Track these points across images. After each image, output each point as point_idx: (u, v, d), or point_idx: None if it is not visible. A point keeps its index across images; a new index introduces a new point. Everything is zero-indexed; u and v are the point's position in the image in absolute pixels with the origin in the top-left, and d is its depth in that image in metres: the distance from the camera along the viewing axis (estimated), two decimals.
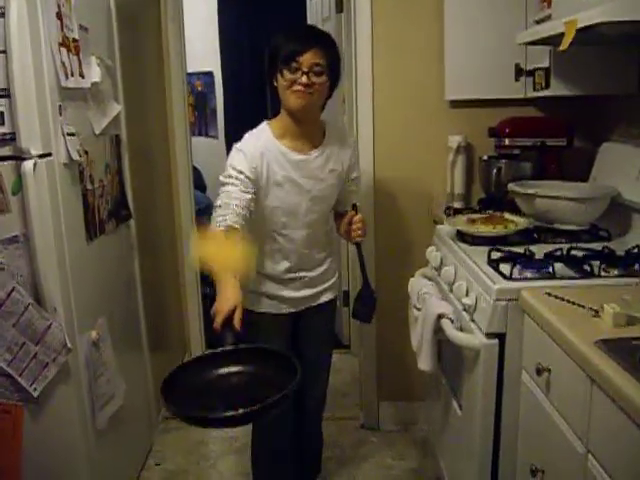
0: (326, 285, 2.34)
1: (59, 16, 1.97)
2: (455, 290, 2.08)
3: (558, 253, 1.98)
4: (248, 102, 5.69)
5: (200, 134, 6.15)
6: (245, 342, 1.74)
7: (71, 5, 2.06)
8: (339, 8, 3.51)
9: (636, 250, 1.97)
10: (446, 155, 2.85)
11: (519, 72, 2.63)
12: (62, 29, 2.00)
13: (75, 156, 2.04)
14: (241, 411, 1.47)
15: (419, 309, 2.23)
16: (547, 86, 2.45)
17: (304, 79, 1.98)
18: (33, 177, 1.86)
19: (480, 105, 2.81)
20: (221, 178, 2.06)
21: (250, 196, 2.01)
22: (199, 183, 5.14)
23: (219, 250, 1.87)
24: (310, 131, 2.15)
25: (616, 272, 1.84)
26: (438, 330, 2.06)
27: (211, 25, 5.75)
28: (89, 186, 2.22)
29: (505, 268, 1.87)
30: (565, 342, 1.46)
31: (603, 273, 1.83)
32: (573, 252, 1.99)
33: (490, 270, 1.91)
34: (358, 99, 2.92)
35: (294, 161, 2.12)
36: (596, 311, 1.53)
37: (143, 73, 3.24)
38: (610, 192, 2.26)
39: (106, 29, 2.50)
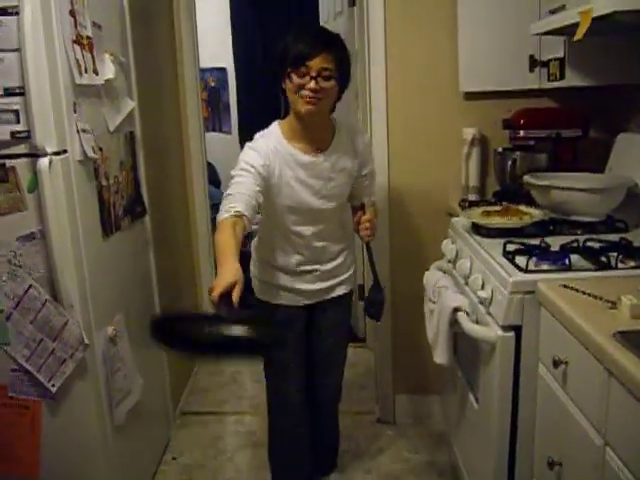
0: (340, 278, 2.35)
1: (72, 13, 1.98)
2: (471, 283, 2.07)
3: (574, 245, 1.97)
4: (261, 97, 5.68)
5: (214, 130, 6.16)
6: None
7: (84, 2, 2.07)
8: (352, 2, 3.50)
9: None
10: (460, 147, 2.83)
11: (533, 63, 2.61)
12: (76, 26, 2.00)
13: (90, 153, 2.05)
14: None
15: (435, 302, 2.23)
16: (562, 77, 2.43)
17: (312, 84, 1.98)
18: (49, 174, 1.87)
19: (494, 97, 2.79)
20: (232, 172, 2.05)
21: (259, 189, 1.99)
22: (213, 178, 5.15)
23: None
24: (319, 133, 2.15)
25: (633, 263, 1.82)
26: (454, 323, 2.06)
27: (224, 21, 5.75)
28: (104, 183, 2.23)
29: (521, 260, 1.86)
30: (582, 334, 1.45)
31: (620, 264, 1.82)
32: (589, 244, 1.98)
33: (506, 262, 1.90)
34: (372, 93, 2.91)
35: (303, 162, 2.12)
36: (613, 303, 1.52)
37: (156, 69, 3.25)
38: (627, 183, 2.24)
39: (119, 26, 2.51)
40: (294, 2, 5.37)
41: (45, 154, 1.87)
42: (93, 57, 2.13)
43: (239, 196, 1.92)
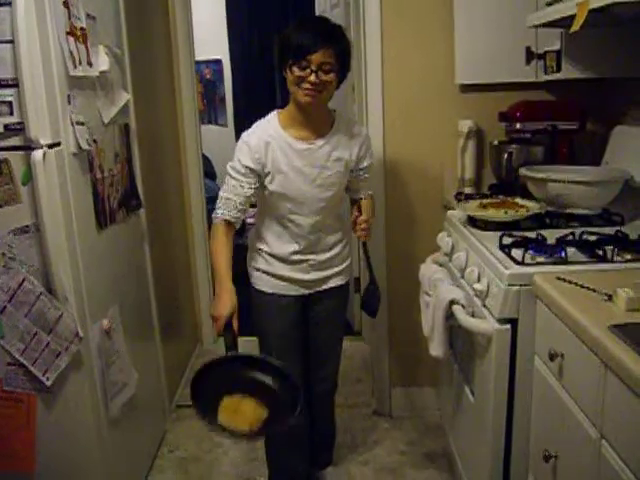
0: (336, 269, 2.35)
1: (66, 5, 1.96)
2: (467, 276, 2.07)
3: (570, 238, 1.97)
4: (257, 90, 5.69)
5: (210, 122, 6.16)
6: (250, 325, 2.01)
7: None
8: None
9: None
10: (457, 140, 2.82)
11: (530, 55, 2.60)
12: (69, 18, 1.99)
13: (84, 145, 2.04)
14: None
15: (430, 295, 2.23)
16: (558, 69, 2.43)
17: (313, 77, 2.00)
18: (43, 167, 1.86)
19: (491, 89, 2.78)
20: (228, 168, 2.17)
21: (252, 191, 2.15)
22: (209, 171, 5.14)
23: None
24: (317, 121, 2.17)
25: (629, 256, 1.82)
26: (450, 316, 2.05)
27: (219, 13, 5.73)
28: (99, 175, 2.22)
29: (517, 253, 1.86)
30: (578, 327, 1.45)
31: (616, 257, 1.82)
32: (585, 236, 1.98)
33: (502, 255, 1.90)
34: (368, 85, 2.90)
35: (299, 150, 2.15)
36: (609, 296, 1.52)
37: (152, 61, 3.23)
38: (623, 176, 2.24)
39: (114, 17, 2.49)
40: None
41: (39, 146, 1.86)
42: (87, 49, 2.12)
43: (231, 203, 2.14)
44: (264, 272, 2.30)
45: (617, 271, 1.75)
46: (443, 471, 2.73)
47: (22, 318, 1.96)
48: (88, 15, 2.14)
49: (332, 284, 2.36)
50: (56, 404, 2.09)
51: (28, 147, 1.88)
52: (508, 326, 1.81)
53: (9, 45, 1.81)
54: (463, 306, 2.01)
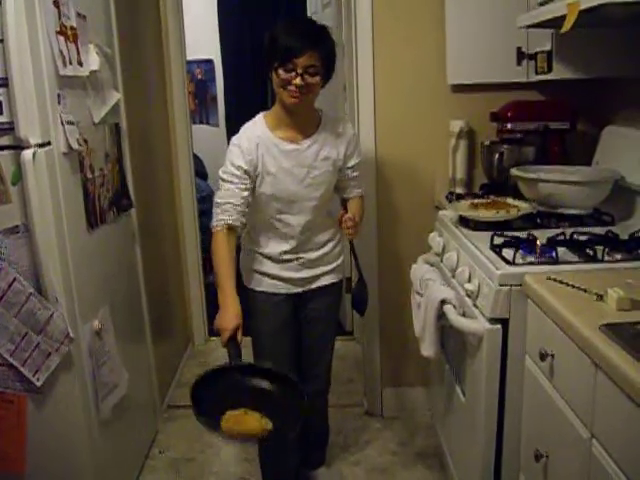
0: (327, 268, 2.35)
1: (56, 4, 1.96)
2: (458, 276, 2.07)
3: (561, 238, 1.97)
4: (248, 89, 5.67)
5: (201, 122, 6.14)
6: (244, 326, 2.04)
7: None
8: None
9: None
10: (448, 140, 2.83)
11: (521, 56, 2.60)
12: (59, 17, 1.98)
13: (74, 145, 2.04)
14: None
15: (422, 295, 2.23)
16: (549, 69, 2.43)
17: (298, 80, 2.02)
18: (32, 166, 1.85)
19: (482, 89, 2.79)
20: (221, 173, 2.16)
21: (249, 192, 2.14)
22: (200, 171, 5.13)
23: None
24: (304, 121, 2.19)
25: (620, 256, 1.83)
26: (441, 316, 2.06)
27: (211, 12, 5.72)
28: (89, 175, 2.21)
29: (508, 253, 1.87)
30: (569, 327, 1.45)
31: (607, 257, 1.82)
32: (576, 236, 1.98)
33: (493, 255, 1.90)
34: (359, 85, 2.90)
35: (286, 151, 2.16)
36: (600, 296, 1.52)
37: (142, 61, 3.22)
38: (613, 176, 2.25)
39: (104, 17, 2.49)
40: None
41: (29, 146, 1.86)
42: (77, 48, 2.11)
43: (230, 207, 2.11)
44: (255, 271, 2.30)
45: (608, 271, 1.75)
46: (434, 471, 2.73)
47: (12, 319, 1.95)
48: (78, 14, 2.13)
49: (323, 282, 2.36)
50: (47, 405, 2.08)
51: (18, 147, 1.87)
52: (499, 326, 1.81)
53: None
54: (454, 306, 2.01)
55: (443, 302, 2.04)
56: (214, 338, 3.94)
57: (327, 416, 2.69)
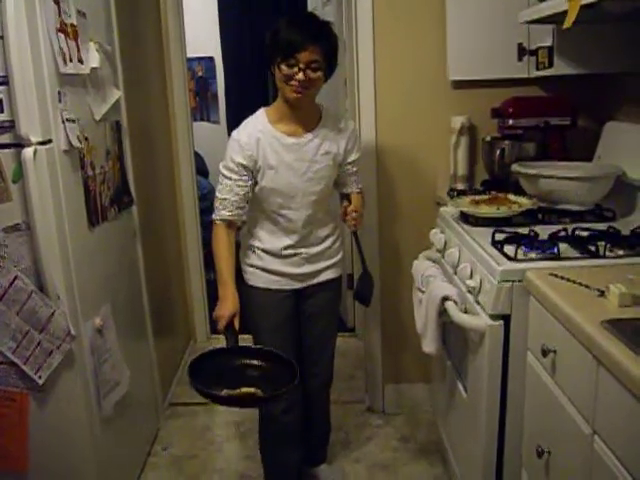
0: (328, 263, 2.36)
1: (56, 1, 1.95)
2: (459, 272, 2.07)
3: (563, 234, 1.97)
4: (249, 87, 5.67)
5: (202, 119, 6.14)
6: (243, 321, 2.16)
7: None
8: None
9: None
10: (449, 136, 2.82)
11: (522, 51, 2.60)
12: (60, 14, 1.98)
13: (75, 142, 2.04)
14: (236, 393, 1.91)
15: (423, 292, 2.23)
16: (550, 65, 2.43)
17: (301, 75, 2.03)
18: (33, 164, 1.85)
19: (483, 85, 2.78)
20: (221, 168, 2.19)
21: (248, 188, 2.18)
22: (201, 168, 5.13)
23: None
24: (305, 115, 2.20)
25: (621, 252, 1.83)
26: (442, 312, 2.05)
27: (211, 10, 5.71)
28: (90, 173, 2.21)
29: (509, 249, 1.86)
30: (570, 323, 1.45)
31: (608, 253, 1.82)
32: (578, 232, 1.98)
33: (494, 251, 1.90)
34: (360, 81, 2.90)
35: (287, 145, 2.17)
36: (602, 291, 1.52)
37: (143, 58, 3.22)
38: (615, 171, 2.24)
39: (104, 14, 2.48)
40: None
41: (30, 144, 1.85)
42: (78, 45, 2.11)
43: (229, 203, 2.16)
44: (257, 268, 2.30)
45: (609, 267, 1.75)
46: (436, 467, 2.73)
47: (14, 316, 1.95)
48: (78, 11, 2.13)
49: (325, 277, 2.37)
50: (49, 403, 2.08)
51: (18, 144, 1.87)
52: (501, 322, 1.81)
53: None
54: (456, 302, 2.00)
55: (445, 298, 2.03)
56: (216, 335, 3.95)
57: (329, 413, 2.68)
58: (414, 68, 2.86)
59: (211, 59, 6.03)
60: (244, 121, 2.21)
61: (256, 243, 2.29)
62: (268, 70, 2.14)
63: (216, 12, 5.75)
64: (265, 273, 2.30)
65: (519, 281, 1.76)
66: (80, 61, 2.13)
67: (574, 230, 1.99)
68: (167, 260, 3.57)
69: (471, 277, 1.97)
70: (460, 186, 2.78)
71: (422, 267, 2.35)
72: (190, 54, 4.06)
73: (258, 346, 2.17)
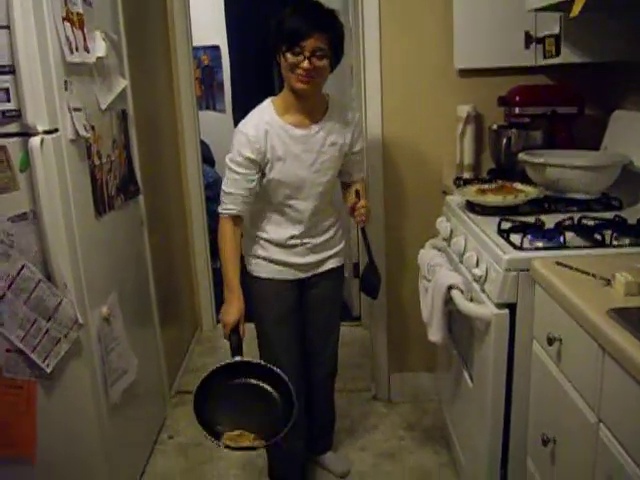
0: (331, 252, 2.37)
1: None
2: (465, 261, 2.07)
3: (569, 222, 1.97)
4: (255, 75, 5.65)
5: (208, 108, 6.13)
6: (247, 311, 2.19)
7: None
8: None
9: None
10: (455, 125, 2.82)
11: (529, 39, 2.59)
12: (66, 3, 1.97)
13: (82, 131, 2.04)
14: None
15: (429, 280, 2.23)
16: (557, 53, 2.41)
17: (306, 64, 2.00)
18: (40, 153, 1.85)
19: (489, 74, 2.77)
20: (228, 161, 2.15)
21: (255, 182, 2.15)
22: (208, 157, 5.13)
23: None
24: (312, 106, 2.18)
25: (628, 241, 1.82)
26: (448, 301, 2.06)
27: None
28: (97, 162, 2.21)
29: (515, 238, 1.86)
30: (576, 312, 1.45)
31: (615, 242, 1.82)
32: (584, 221, 1.98)
33: (500, 240, 1.90)
34: (366, 70, 2.89)
35: (295, 136, 2.15)
36: (608, 280, 1.52)
37: (149, 47, 3.22)
38: (622, 160, 2.24)
39: (110, 3, 2.48)
40: None
41: (36, 133, 1.86)
42: (84, 34, 2.11)
43: (236, 197, 2.14)
44: (261, 258, 2.30)
45: (616, 256, 1.75)
46: (442, 456, 2.74)
47: (21, 305, 1.96)
48: (84, 0, 2.12)
49: (328, 266, 2.37)
50: (56, 391, 2.10)
51: (25, 134, 1.87)
52: (506, 311, 1.81)
53: (5, 31, 1.80)
54: (462, 291, 2.01)
55: (450, 287, 2.03)
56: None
57: (334, 401, 2.69)
58: (420, 56, 2.85)
59: (217, 48, 6.02)
60: (250, 112, 2.19)
61: (260, 233, 2.28)
62: (274, 59, 2.12)
63: (222, 1, 5.73)
64: (269, 263, 2.29)
65: (525, 270, 1.76)
66: (86, 50, 2.13)
67: (580, 219, 1.99)
68: (173, 249, 3.58)
69: (477, 266, 1.97)
70: (466, 175, 2.78)
71: (428, 256, 2.35)
72: (196, 43, 4.05)
73: (258, 361, 2.14)
